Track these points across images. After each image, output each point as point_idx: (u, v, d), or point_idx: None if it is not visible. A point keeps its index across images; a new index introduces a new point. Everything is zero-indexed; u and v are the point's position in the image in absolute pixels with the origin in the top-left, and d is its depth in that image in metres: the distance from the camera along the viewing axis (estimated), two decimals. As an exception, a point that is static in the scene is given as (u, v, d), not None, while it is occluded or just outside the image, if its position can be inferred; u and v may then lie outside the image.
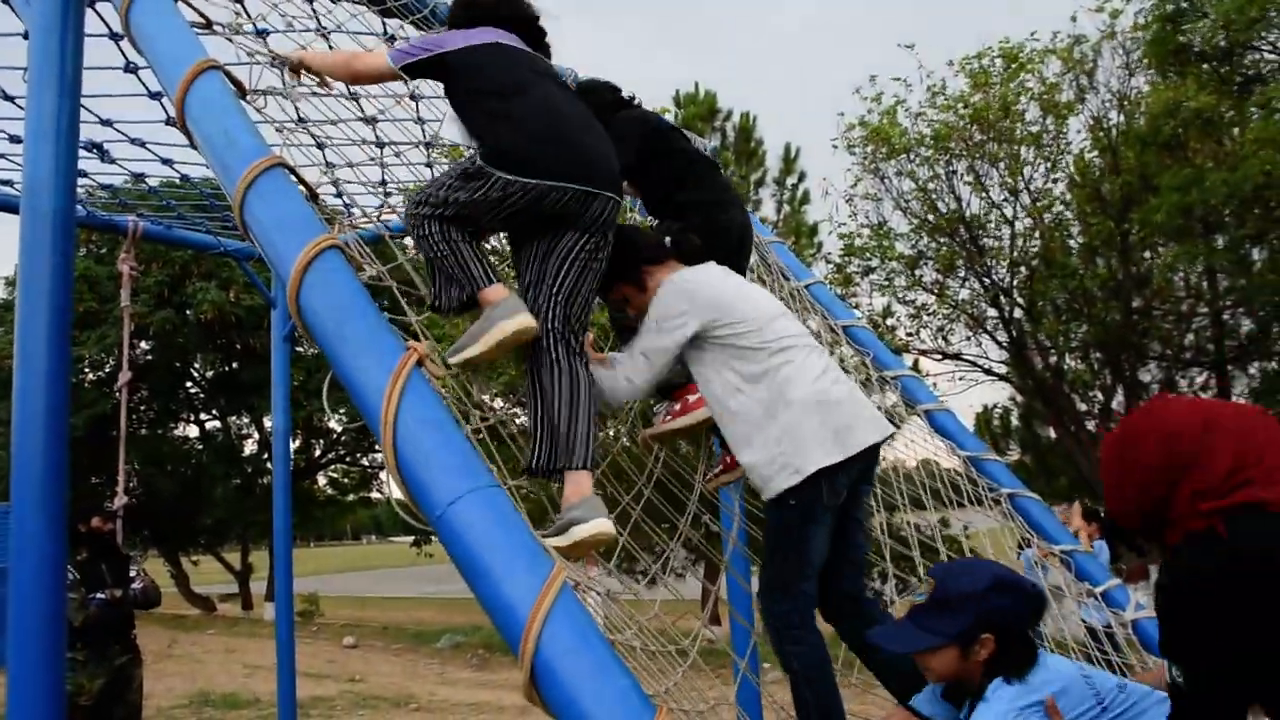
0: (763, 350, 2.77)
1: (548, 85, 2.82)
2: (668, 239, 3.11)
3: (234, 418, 27.14)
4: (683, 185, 3.64)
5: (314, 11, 3.88)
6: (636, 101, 3.92)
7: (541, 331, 2.65)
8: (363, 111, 4.63)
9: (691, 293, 2.83)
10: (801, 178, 20.05)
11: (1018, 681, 2.14)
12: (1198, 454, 1.76)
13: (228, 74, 2.19)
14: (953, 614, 2.21)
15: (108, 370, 22.84)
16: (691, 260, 3.06)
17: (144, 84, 4.45)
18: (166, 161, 5.34)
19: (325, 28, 4.06)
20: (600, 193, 2.67)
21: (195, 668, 13.90)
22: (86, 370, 22.44)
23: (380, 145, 4.91)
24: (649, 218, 3.75)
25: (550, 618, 1.40)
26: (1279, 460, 1.73)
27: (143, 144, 5.08)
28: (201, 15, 2.74)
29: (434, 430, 1.61)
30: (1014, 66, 14.43)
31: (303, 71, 2.98)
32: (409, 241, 6.10)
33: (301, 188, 2.00)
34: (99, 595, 5.66)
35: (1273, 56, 12.41)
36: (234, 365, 24.93)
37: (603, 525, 2.47)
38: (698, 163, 3.78)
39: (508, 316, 2.52)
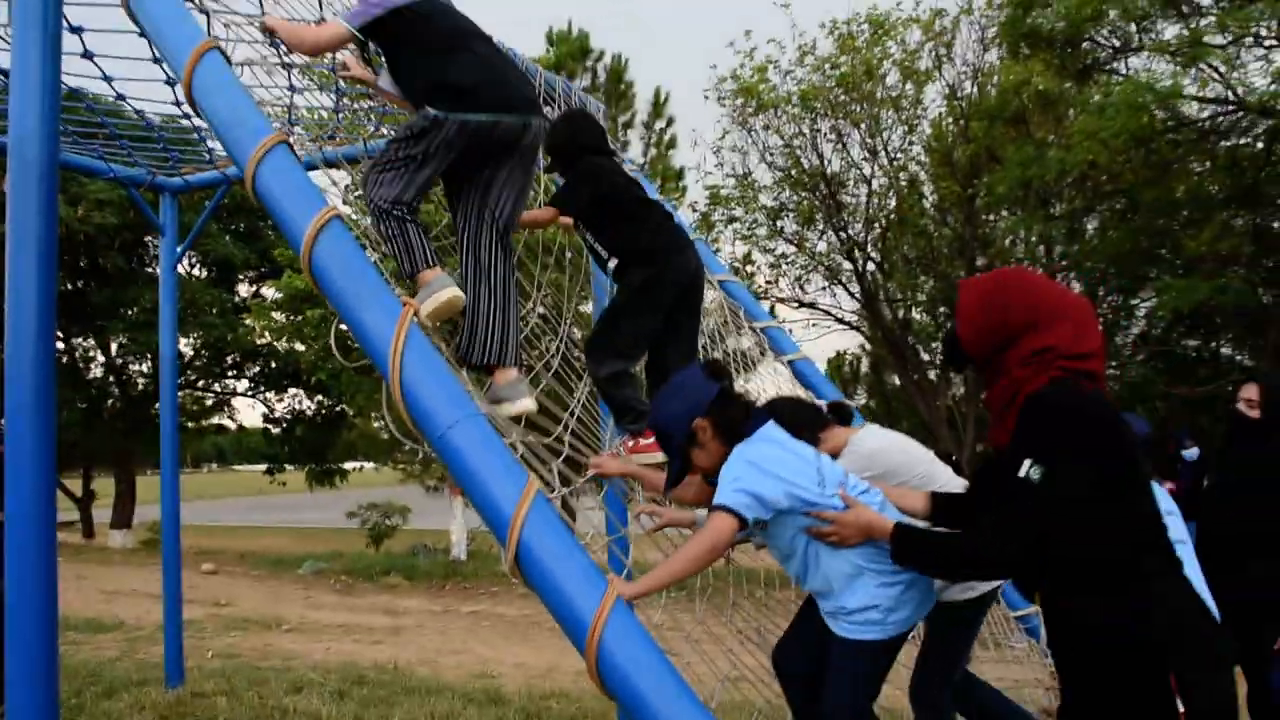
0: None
1: (477, 37, 3.37)
2: (824, 405, 3.80)
3: (79, 339, 26.15)
4: (640, 231, 4.10)
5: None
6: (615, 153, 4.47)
7: (489, 246, 3.27)
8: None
9: (875, 453, 3.50)
10: (670, 122, 20.57)
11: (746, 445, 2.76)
12: (1056, 319, 2.40)
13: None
14: (665, 437, 2.88)
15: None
16: (846, 420, 3.72)
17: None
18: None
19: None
20: (532, 120, 3.29)
21: (50, 592, 13.72)
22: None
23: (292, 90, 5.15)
24: (608, 255, 4.23)
25: (530, 513, 1.87)
26: (1099, 351, 2.44)
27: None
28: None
29: (431, 369, 2.04)
30: (879, 33, 15.17)
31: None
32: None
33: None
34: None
35: (1107, 45, 13.52)
36: (80, 285, 23.94)
37: (530, 403, 3.24)
38: (654, 210, 4.23)
39: (441, 289, 3.03)
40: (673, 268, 4.07)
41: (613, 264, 4.13)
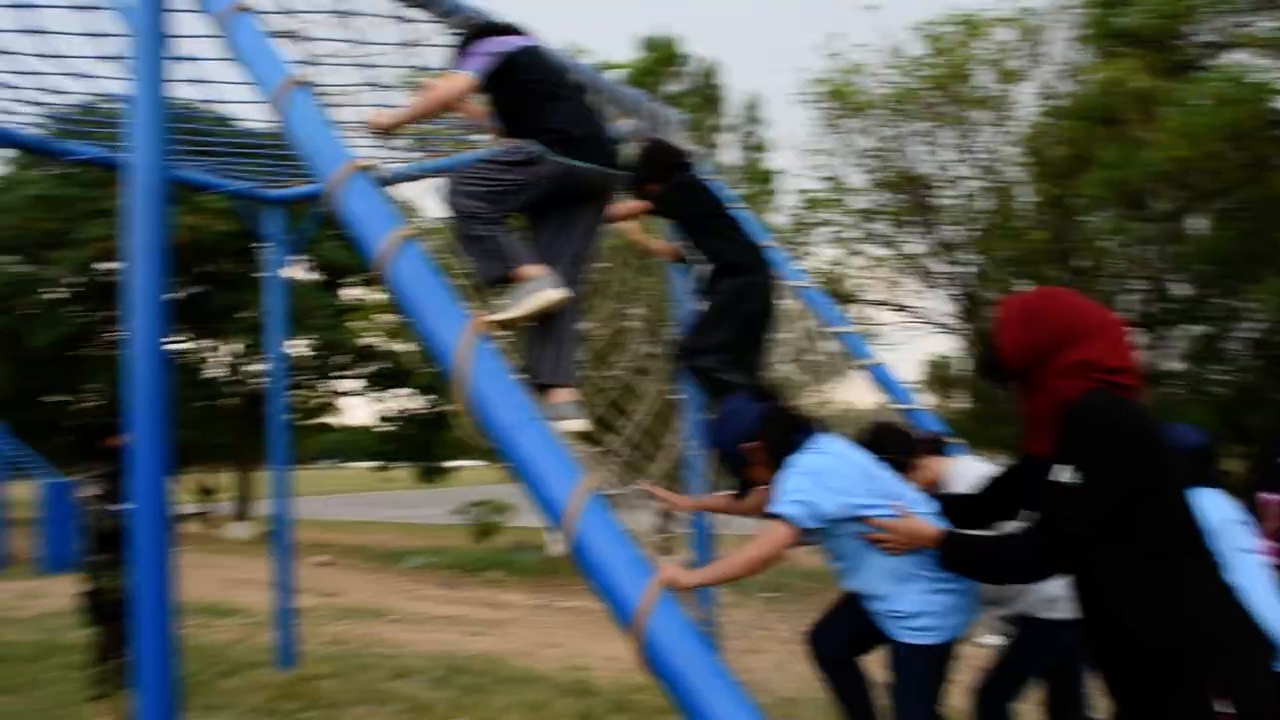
0: None
1: (574, 85, 3.61)
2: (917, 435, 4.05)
3: (200, 341, 27.43)
4: (726, 246, 4.41)
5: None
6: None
7: (559, 275, 3.37)
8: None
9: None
10: (761, 125, 20.54)
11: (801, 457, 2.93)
12: (1092, 334, 2.48)
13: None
14: (722, 461, 3.13)
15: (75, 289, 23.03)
16: (939, 450, 3.97)
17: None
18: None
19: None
20: (616, 173, 3.52)
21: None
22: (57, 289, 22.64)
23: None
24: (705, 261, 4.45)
25: (585, 508, 2.05)
26: (1134, 366, 2.52)
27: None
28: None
29: (496, 376, 2.24)
30: (969, 32, 14.91)
31: None
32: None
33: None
34: (121, 507, 6.25)
35: (1200, 43, 13.07)
36: (201, 289, 25.12)
37: (581, 424, 3.37)
38: (737, 227, 4.55)
39: (545, 289, 3.18)
40: (757, 283, 4.35)
41: (708, 270, 4.41)
